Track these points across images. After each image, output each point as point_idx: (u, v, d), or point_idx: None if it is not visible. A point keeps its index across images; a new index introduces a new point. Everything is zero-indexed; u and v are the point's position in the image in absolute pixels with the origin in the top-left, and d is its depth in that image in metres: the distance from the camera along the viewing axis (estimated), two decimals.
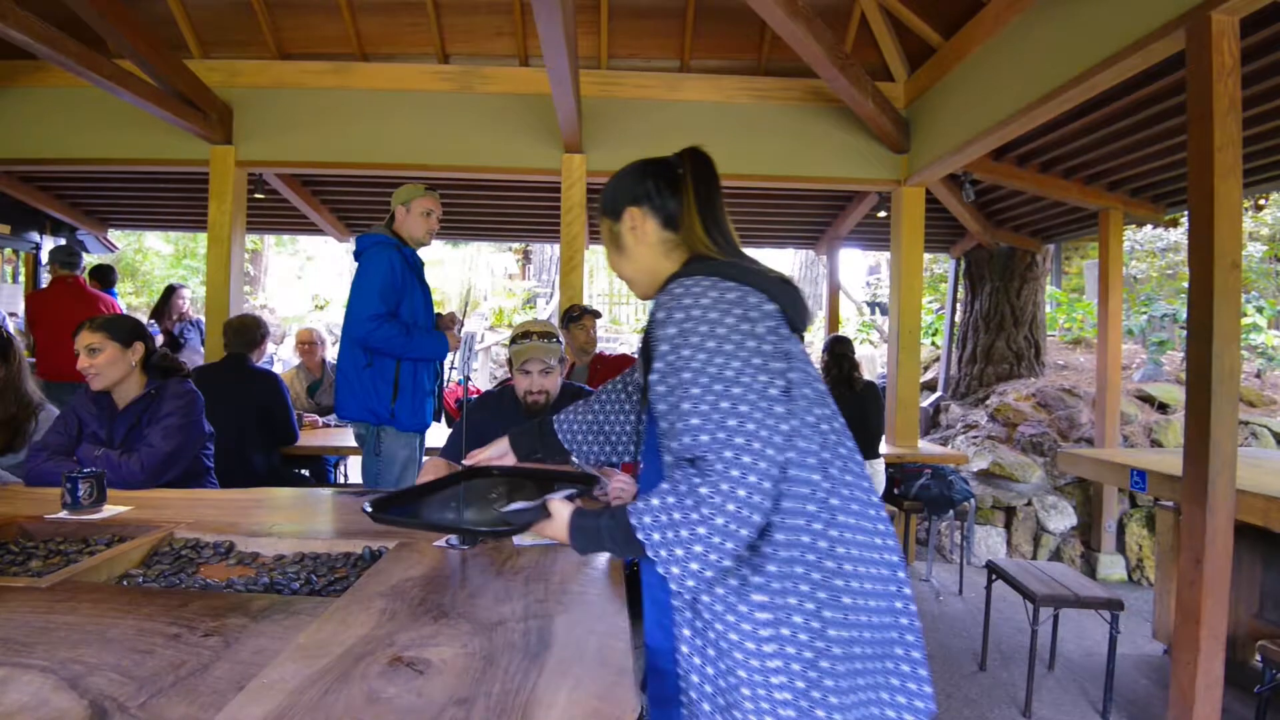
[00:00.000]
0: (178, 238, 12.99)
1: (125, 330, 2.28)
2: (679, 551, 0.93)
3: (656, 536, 0.94)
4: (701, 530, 0.91)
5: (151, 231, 11.89)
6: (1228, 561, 2.11)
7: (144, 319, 3.94)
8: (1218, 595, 2.11)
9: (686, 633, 1.04)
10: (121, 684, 0.91)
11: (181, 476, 2.30)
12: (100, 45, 3.38)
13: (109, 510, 1.81)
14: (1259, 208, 7.94)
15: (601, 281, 14.10)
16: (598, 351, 3.69)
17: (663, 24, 4.26)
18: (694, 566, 0.92)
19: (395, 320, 2.67)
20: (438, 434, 3.23)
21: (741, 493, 0.91)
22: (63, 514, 1.75)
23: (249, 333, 3.48)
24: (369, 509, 1.22)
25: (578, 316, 3.66)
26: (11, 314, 6.41)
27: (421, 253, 2.90)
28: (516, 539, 1.62)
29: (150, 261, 13.12)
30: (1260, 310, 7.57)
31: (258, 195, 5.01)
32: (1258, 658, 2.28)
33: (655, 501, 0.96)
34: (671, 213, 1.16)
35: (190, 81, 3.82)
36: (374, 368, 2.68)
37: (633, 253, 1.19)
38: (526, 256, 15.34)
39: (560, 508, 1.08)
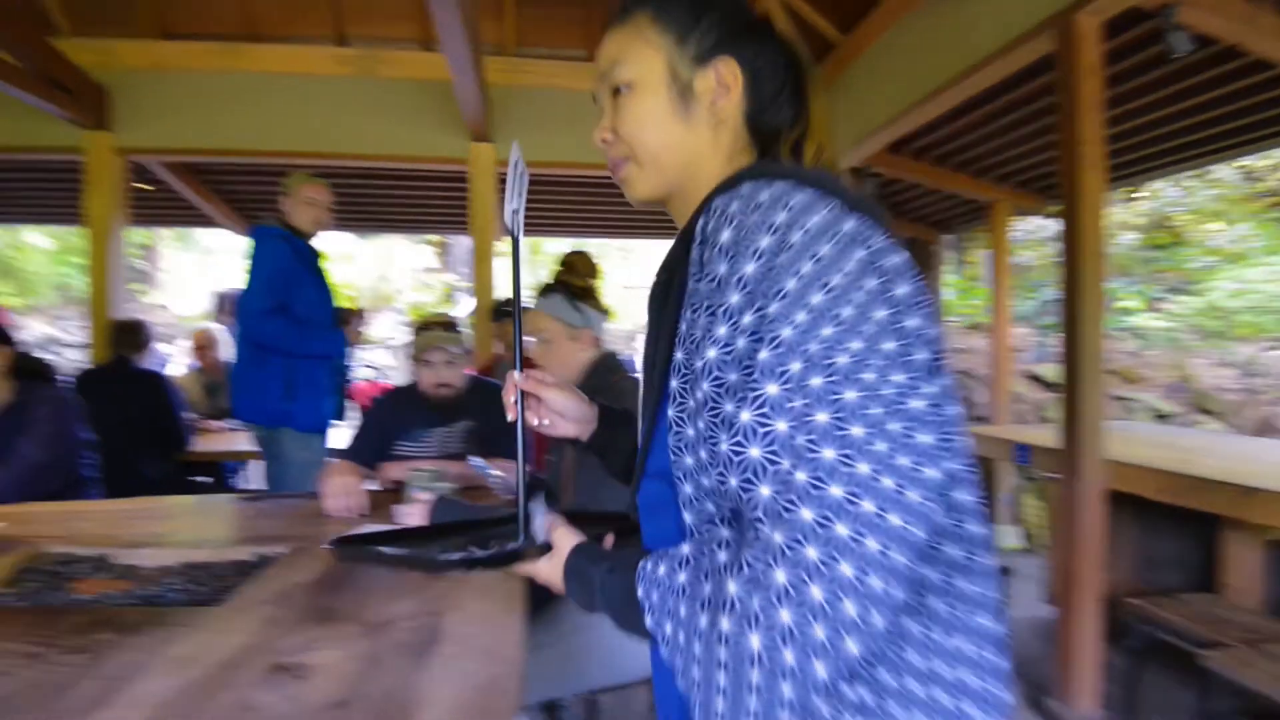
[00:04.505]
0: (60, 231, 12.06)
1: None
2: (699, 673, 0.55)
3: (668, 628, 0.58)
4: (758, 655, 0.50)
5: (25, 225, 10.99)
6: (1101, 527, 2.28)
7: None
8: (1093, 559, 2.28)
9: None
10: None
11: (59, 488, 2.16)
12: None
13: None
14: (1134, 199, 8.57)
15: (525, 274, 13.92)
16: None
17: (570, 12, 4.23)
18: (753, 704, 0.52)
19: (286, 315, 2.57)
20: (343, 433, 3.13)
21: (871, 581, 0.50)
22: None
23: (134, 333, 3.29)
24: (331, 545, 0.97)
25: (512, 311, 3.55)
26: None
27: (331, 246, 2.80)
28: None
29: (31, 259, 12.14)
30: (1137, 294, 8.20)
31: (142, 185, 4.70)
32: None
33: (679, 577, 0.59)
34: (772, 104, 0.73)
35: (57, 61, 3.54)
36: (265, 365, 2.57)
37: (694, 122, 0.72)
38: (445, 249, 14.99)
39: (564, 540, 0.72)
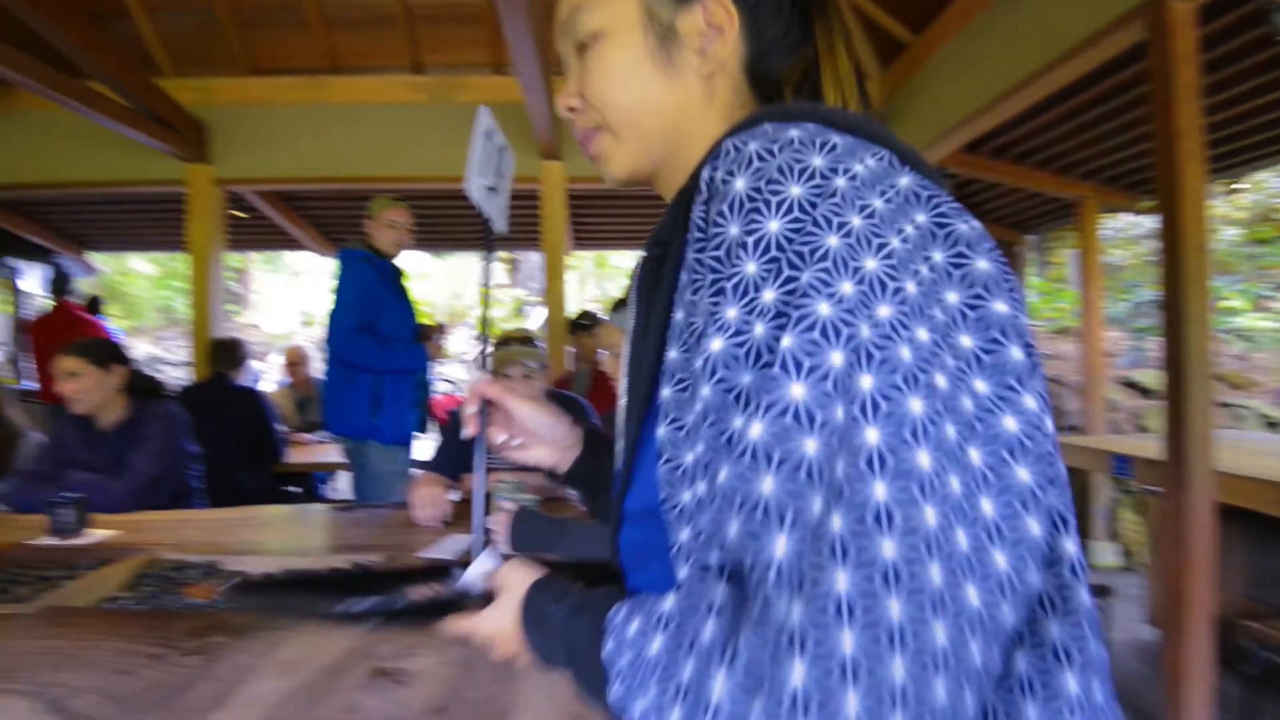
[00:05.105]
0: (162, 257, 12.94)
1: (103, 353, 2.27)
2: None
3: (636, 710, 0.42)
4: None
5: (132, 253, 11.84)
6: (1210, 543, 2.13)
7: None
8: (1202, 577, 2.13)
9: None
10: (103, 705, 0.91)
11: (168, 498, 2.30)
12: (68, 65, 3.36)
13: (96, 535, 1.81)
14: (1234, 191, 8.04)
15: (592, 287, 14.10)
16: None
17: None
18: None
19: (370, 333, 2.68)
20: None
21: (933, 689, 0.34)
22: (47, 540, 1.75)
23: (232, 352, 3.49)
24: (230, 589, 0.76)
25: (588, 325, 3.57)
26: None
27: (411, 265, 2.92)
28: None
29: (137, 284, 13.07)
30: (1241, 293, 7.67)
31: (238, 213, 4.99)
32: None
33: (653, 642, 0.42)
34: (778, 45, 0.58)
35: (162, 100, 3.81)
36: (353, 382, 2.68)
37: (680, 73, 0.56)
38: (514, 265, 15.35)
39: (516, 576, 0.57)
